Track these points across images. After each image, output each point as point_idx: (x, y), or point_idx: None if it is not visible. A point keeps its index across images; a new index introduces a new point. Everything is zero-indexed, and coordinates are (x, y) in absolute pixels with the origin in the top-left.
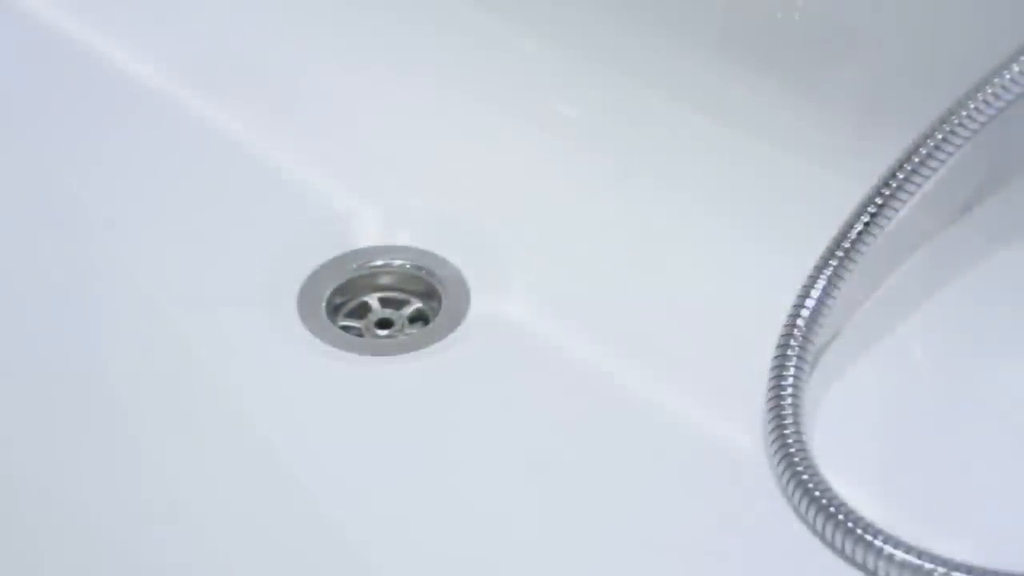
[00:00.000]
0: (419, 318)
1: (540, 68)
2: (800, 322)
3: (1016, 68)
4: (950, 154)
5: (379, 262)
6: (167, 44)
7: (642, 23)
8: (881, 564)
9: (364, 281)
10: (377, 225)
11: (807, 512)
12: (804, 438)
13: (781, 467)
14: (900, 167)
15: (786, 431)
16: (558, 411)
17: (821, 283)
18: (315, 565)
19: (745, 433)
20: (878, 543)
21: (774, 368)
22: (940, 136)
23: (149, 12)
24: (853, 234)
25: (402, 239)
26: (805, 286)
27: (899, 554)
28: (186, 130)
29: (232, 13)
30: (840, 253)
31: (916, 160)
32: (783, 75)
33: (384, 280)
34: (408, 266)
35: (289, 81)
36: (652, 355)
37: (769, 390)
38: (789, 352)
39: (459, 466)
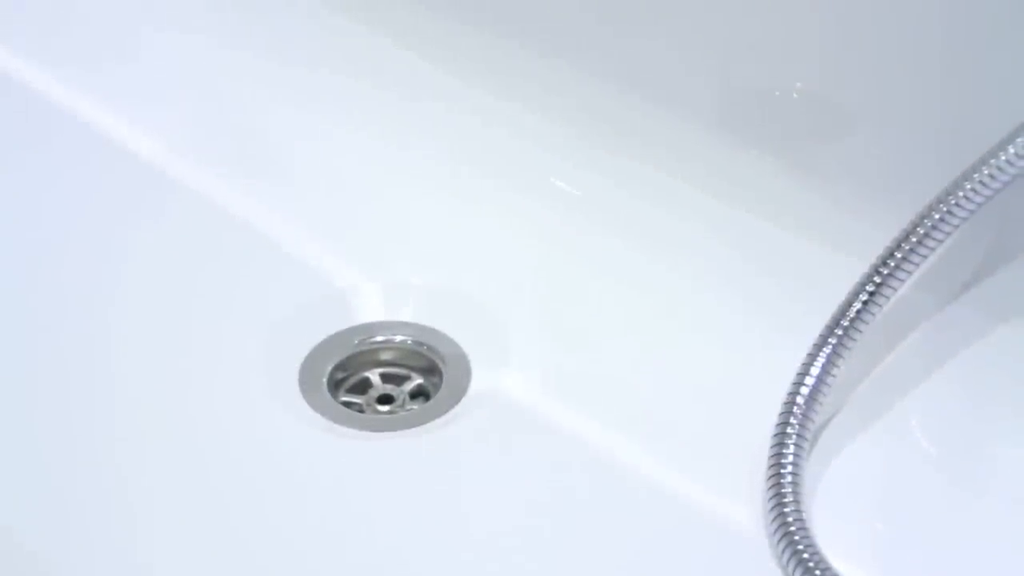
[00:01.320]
0: (420, 394)
1: (540, 144)
2: (800, 399)
3: (1013, 149)
4: (948, 233)
5: (380, 338)
6: (165, 116)
7: (642, 99)
8: None
9: (365, 357)
10: (378, 300)
11: None
12: (804, 516)
13: (781, 545)
14: (899, 245)
15: (786, 509)
16: (558, 487)
17: (820, 360)
18: None
19: (745, 511)
20: None
21: (774, 445)
22: (938, 215)
23: (147, 85)
24: (852, 312)
25: (403, 315)
26: (804, 363)
27: None
28: (186, 204)
29: (232, 85)
30: (839, 331)
31: (915, 238)
32: (782, 152)
33: (385, 356)
34: (409, 342)
35: (290, 155)
36: (652, 432)
37: (769, 467)
38: (789, 429)
39: (459, 542)
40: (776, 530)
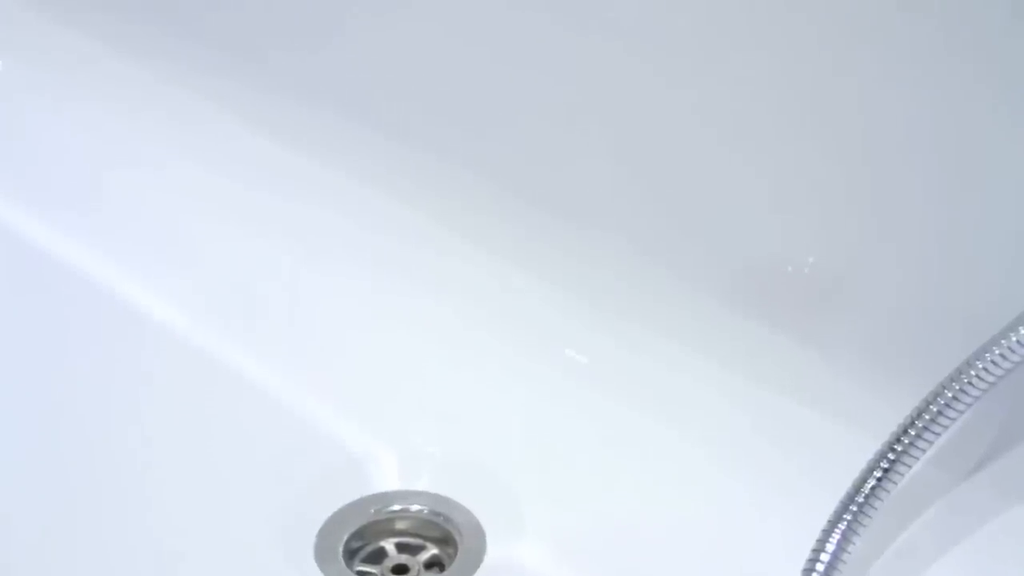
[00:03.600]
0: (435, 564)
1: (554, 310)
2: None
3: None
4: (962, 411)
5: (396, 507)
6: (179, 282)
7: (654, 269)
8: None
9: (381, 526)
10: (394, 469)
11: None
12: None
13: None
14: (912, 423)
15: None
16: None
17: (835, 537)
18: None
19: None
20: None
21: None
22: (951, 393)
23: (160, 248)
24: (866, 488)
25: (419, 484)
26: (819, 540)
27: None
28: (201, 370)
29: (245, 246)
30: (853, 507)
31: (928, 416)
32: (794, 325)
33: (400, 525)
34: (425, 511)
35: (306, 321)
36: None
37: None
38: None
39: None
40: None
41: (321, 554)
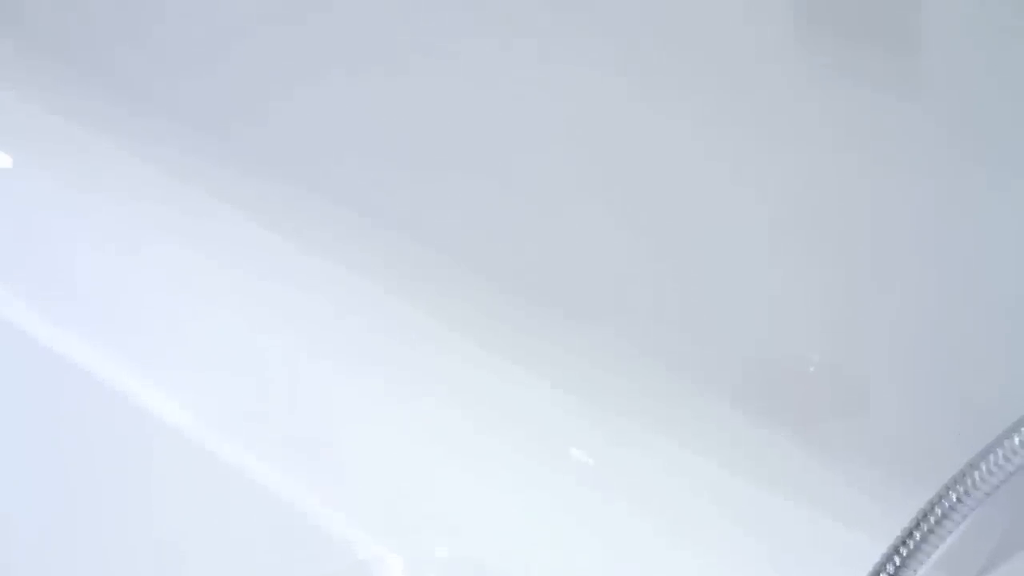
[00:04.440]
0: None
1: (559, 411)
2: None
3: None
4: (964, 515)
5: None
6: (187, 381)
7: (659, 370)
8: None
9: None
10: (400, 573)
11: None
12: None
13: None
14: (917, 526)
15: None
16: None
17: None
18: None
19: None
20: None
21: None
22: (955, 496)
23: (166, 347)
24: None
25: None
26: None
27: None
28: (211, 472)
29: (253, 347)
30: None
31: (932, 520)
32: (798, 427)
33: None
34: None
35: (312, 423)
36: None
37: None
38: None
39: None
40: None
41: None
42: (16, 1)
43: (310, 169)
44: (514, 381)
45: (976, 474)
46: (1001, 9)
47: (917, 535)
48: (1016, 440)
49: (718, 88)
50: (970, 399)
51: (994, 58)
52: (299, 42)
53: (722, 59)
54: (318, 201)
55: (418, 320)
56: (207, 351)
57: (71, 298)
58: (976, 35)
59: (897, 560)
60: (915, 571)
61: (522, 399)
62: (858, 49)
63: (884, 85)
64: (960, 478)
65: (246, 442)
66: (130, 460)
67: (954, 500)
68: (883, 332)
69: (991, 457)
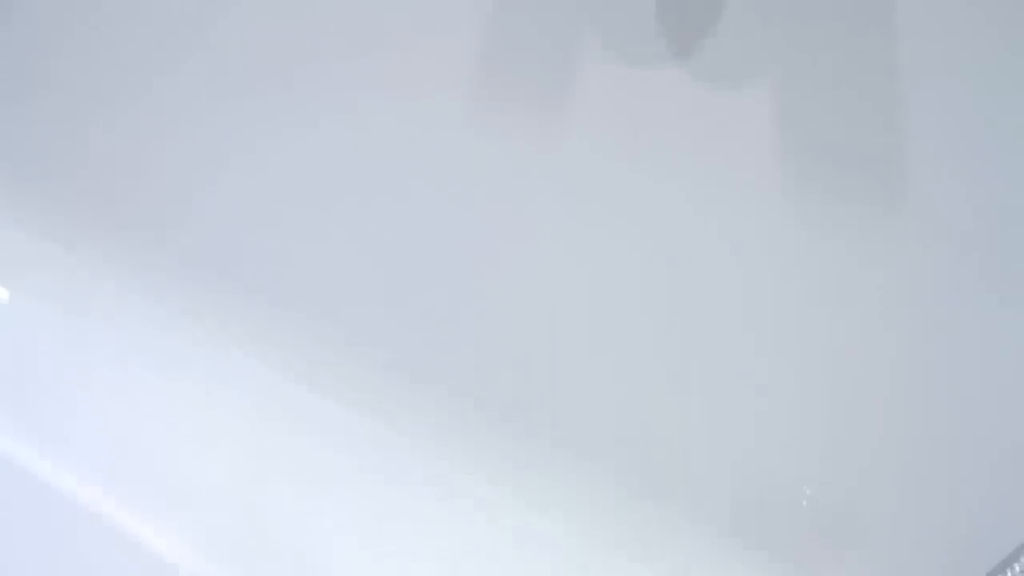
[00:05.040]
0: None
1: (548, 546)
2: None
3: (1019, 567)
4: None
5: None
6: (188, 523)
7: (653, 505)
8: None
9: None
10: None
11: None
12: None
13: None
14: None
15: None
16: None
17: None
18: None
19: None
20: None
21: None
22: None
23: (165, 487)
24: None
25: None
26: None
27: None
28: None
29: (253, 489)
30: None
31: None
32: (791, 559)
33: None
34: None
35: (314, 567)
36: None
37: None
38: None
39: None
40: None
41: None
42: (16, 136)
43: (316, 309)
44: (502, 514)
45: None
46: (987, 165)
47: None
48: (1018, 567)
49: (713, 238)
50: (965, 533)
51: (981, 211)
52: (299, 180)
53: (711, 209)
54: (324, 340)
55: (419, 459)
56: (210, 492)
57: (68, 431)
58: (963, 188)
59: None
60: None
61: (510, 533)
62: (846, 203)
63: (871, 236)
64: None
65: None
66: None
67: None
68: (877, 466)
69: None
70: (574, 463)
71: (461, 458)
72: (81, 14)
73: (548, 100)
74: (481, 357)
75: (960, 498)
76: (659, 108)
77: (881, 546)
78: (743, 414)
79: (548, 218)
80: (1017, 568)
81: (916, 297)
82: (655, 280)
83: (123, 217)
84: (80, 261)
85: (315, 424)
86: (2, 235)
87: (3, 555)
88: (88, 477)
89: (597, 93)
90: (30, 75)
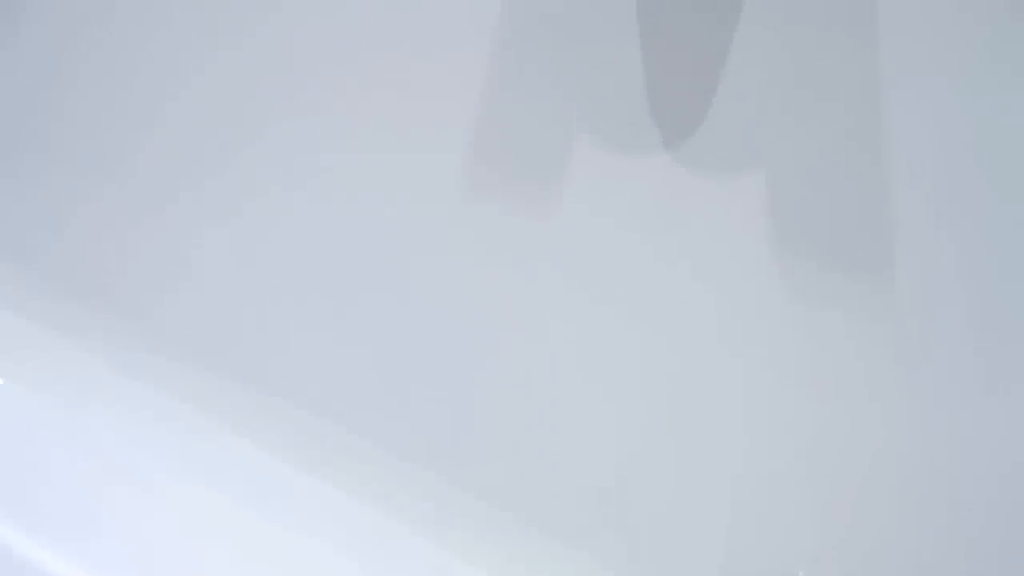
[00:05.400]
0: None
1: None
2: None
3: None
4: None
5: None
6: None
7: None
8: None
9: None
10: None
11: None
12: None
13: None
14: None
15: None
16: None
17: None
18: None
19: None
20: None
21: None
22: None
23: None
24: None
25: None
26: None
27: None
28: None
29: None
30: None
31: None
32: None
33: None
34: None
35: None
36: None
37: None
38: None
39: None
40: None
41: None
42: (15, 228)
43: (318, 398)
44: None
45: None
46: (973, 243)
47: None
48: None
49: (705, 318)
50: None
51: (972, 289)
52: (296, 262)
53: (702, 287)
54: (326, 429)
55: (420, 547)
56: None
57: (62, 521)
58: (954, 266)
59: None
60: None
61: None
62: (836, 281)
63: (857, 308)
64: None
65: None
66: None
67: None
68: (869, 549)
69: None
70: (562, 551)
71: (460, 546)
72: (61, 91)
73: (542, 184)
74: (477, 440)
75: None
76: (651, 192)
77: None
78: (732, 491)
79: (542, 299)
80: None
81: (908, 375)
82: (647, 359)
83: (115, 300)
84: (72, 344)
85: (313, 511)
86: None
87: None
88: (88, 568)
89: (591, 177)
90: (15, 156)
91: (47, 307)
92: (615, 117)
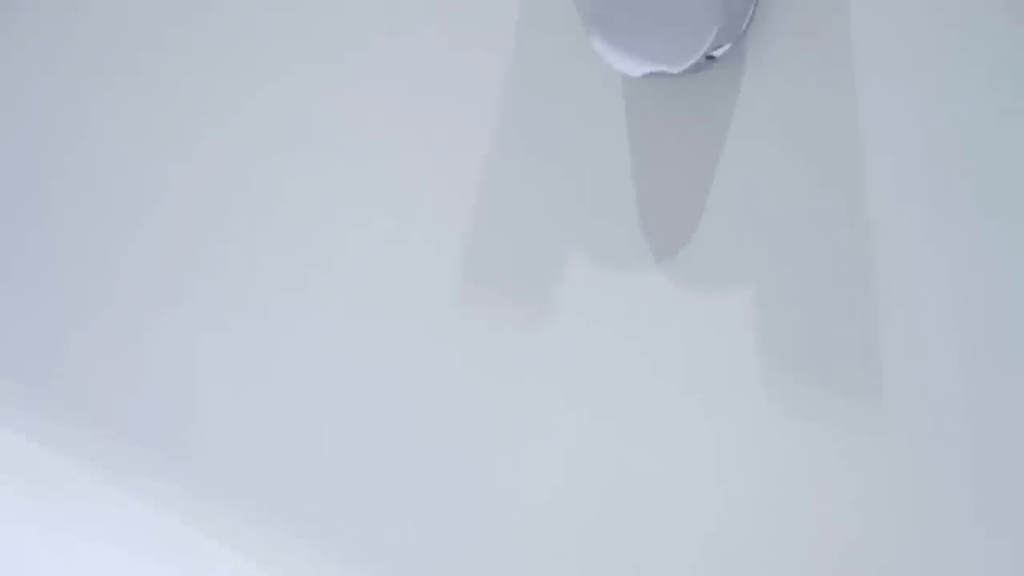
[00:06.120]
0: None
1: None
2: None
3: None
4: None
5: None
6: None
7: None
8: None
9: None
10: None
11: None
12: None
13: None
14: None
15: None
16: None
17: None
18: None
19: None
20: None
21: None
22: None
23: None
24: None
25: None
26: None
27: None
28: None
29: None
30: None
31: None
32: None
33: None
34: None
35: None
36: None
37: None
38: None
39: None
40: None
41: None
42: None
43: (302, 509)
44: None
45: None
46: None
47: None
48: None
49: (696, 431)
50: None
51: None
52: (288, 383)
53: (694, 401)
54: (312, 540)
55: None
56: None
57: None
58: (941, 378)
59: None
60: None
61: None
62: (825, 396)
63: (846, 422)
64: None
65: None
66: None
67: None
68: None
69: None
70: None
71: None
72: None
73: (535, 302)
74: (461, 552)
75: None
76: (644, 306)
77: None
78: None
79: (534, 416)
80: None
81: (899, 490)
82: (637, 468)
83: (103, 410)
84: (60, 457)
85: None
86: None
87: None
88: None
89: (583, 295)
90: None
91: (32, 419)
92: (607, 232)
